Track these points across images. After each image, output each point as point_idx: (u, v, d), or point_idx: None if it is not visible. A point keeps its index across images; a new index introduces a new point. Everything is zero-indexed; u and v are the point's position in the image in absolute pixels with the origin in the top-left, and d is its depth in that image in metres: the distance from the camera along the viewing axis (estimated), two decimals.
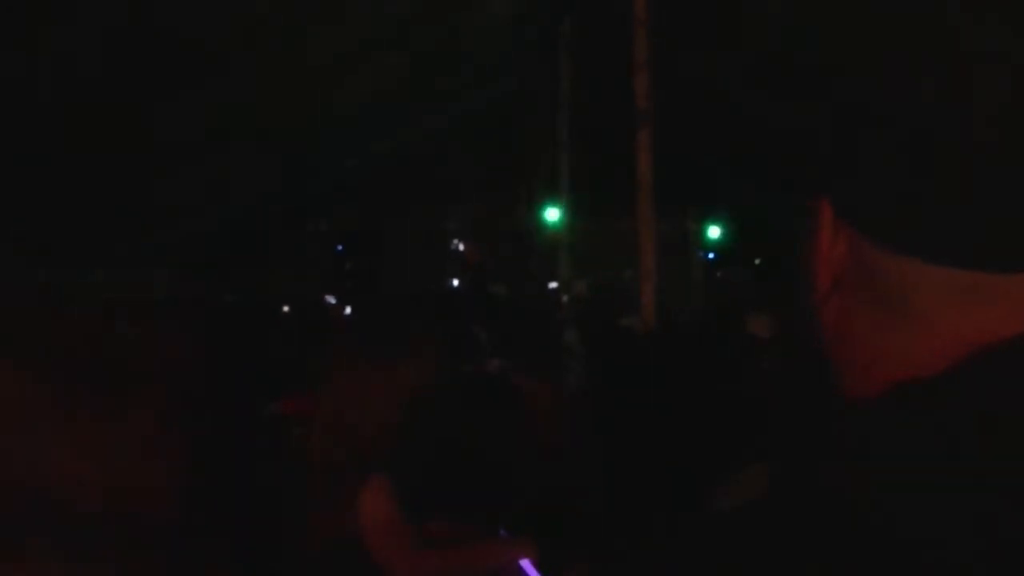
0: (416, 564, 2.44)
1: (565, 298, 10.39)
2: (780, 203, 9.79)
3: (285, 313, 9.58)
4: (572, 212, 10.83)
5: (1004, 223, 0.63)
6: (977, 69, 0.63)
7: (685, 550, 0.69)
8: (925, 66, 0.65)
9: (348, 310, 11.54)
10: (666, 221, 10.12)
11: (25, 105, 5.69)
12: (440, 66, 8.82)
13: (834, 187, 0.72)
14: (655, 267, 6.43)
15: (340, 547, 2.50)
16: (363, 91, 8.43)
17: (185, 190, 8.18)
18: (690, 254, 17.82)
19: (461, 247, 16.56)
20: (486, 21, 8.31)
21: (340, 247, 18.53)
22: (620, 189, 7.54)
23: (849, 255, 0.71)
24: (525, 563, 2.41)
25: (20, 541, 0.94)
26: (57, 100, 5.81)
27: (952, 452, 0.62)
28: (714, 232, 18.23)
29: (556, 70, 10.15)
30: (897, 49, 0.67)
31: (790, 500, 0.67)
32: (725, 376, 4.36)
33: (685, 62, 8.01)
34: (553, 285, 11.53)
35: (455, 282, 15.37)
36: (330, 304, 12.03)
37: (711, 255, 19.28)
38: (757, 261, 19.79)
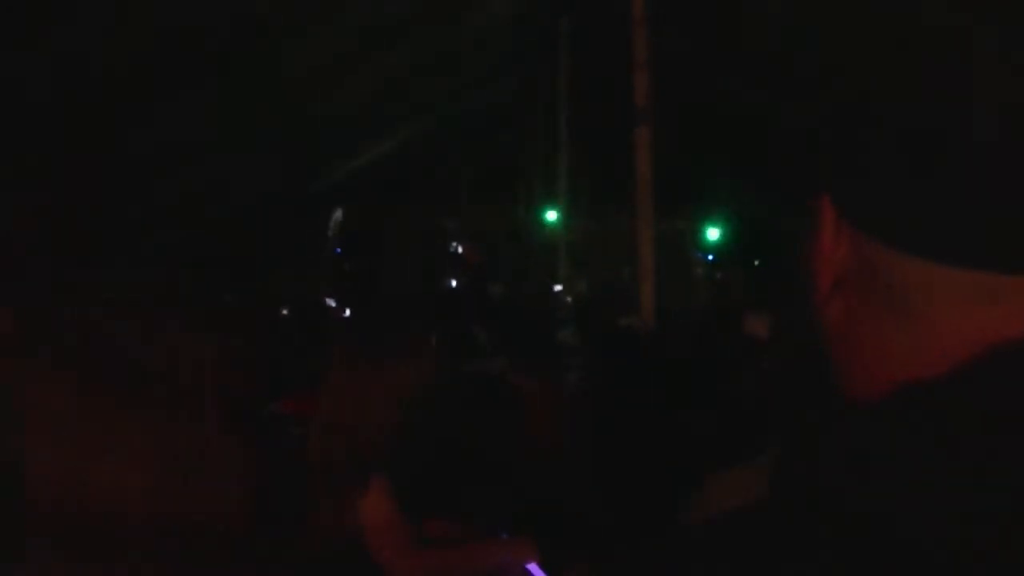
0: (415, 564, 2.44)
1: (569, 299, 10.40)
2: (779, 203, 9.78)
3: (285, 314, 9.57)
4: (571, 212, 10.83)
5: (1009, 223, 0.63)
6: (980, 68, 0.63)
7: (687, 552, 0.69)
8: (927, 65, 0.65)
9: (348, 312, 11.53)
10: (665, 222, 10.13)
11: (24, 104, 5.68)
12: (439, 67, 8.82)
13: (835, 186, 0.72)
14: (654, 267, 6.44)
15: (340, 547, 2.49)
16: (363, 92, 8.43)
17: (184, 190, 8.18)
18: (689, 255, 17.83)
19: (460, 249, 16.56)
20: (485, 21, 8.31)
21: (339, 249, 18.51)
22: (619, 189, 7.54)
23: (851, 255, 0.71)
24: (532, 567, 2.41)
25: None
26: (56, 99, 5.80)
27: (957, 454, 0.62)
28: (713, 233, 18.24)
29: (555, 70, 10.15)
30: (898, 48, 0.67)
31: (792, 502, 0.66)
32: (723, 376, 4.36)
33: (684, 61, 8.01)
34: (558, 288, 11.54)
35: (453, 283, 15.36)
36: (330, 306, 12.03)
37: (710, 256, 19.28)
38: (756, 262, 19.79)
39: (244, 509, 1.04)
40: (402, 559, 2.43)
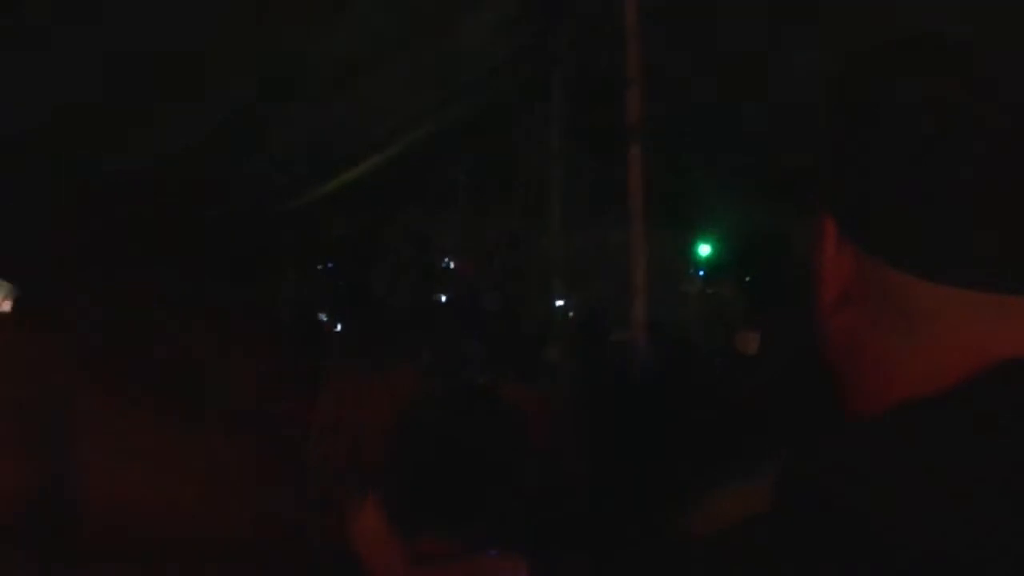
0: None
1: (571, 314, 10.41)
2: (772, 221, 9.81)
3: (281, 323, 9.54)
4: (564, 226, 10.85)
5: (1010, 244, 0.63)
6: (977, 97, 0.63)
7: (690, 561, 0.69)
8: (928, 94, 0.65)
9: (339, 327, 11.52)
10: (657, 237, 10.14)
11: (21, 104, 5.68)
12: (430, 77, 8.83)
13: (837, 205, 0.72)
14: (646, 282, 6.44)
15: (336, 554, 2.48)
16: (353, 100, 8.44)
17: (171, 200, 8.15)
18: (680, 270, 17.87)
19: (452, 264, 16.58)
20: (475, 33, 8.33)
21: (331, 263, 18.51)
22: (612, 204, 7.55)
23: (854, 271, 0.71)
24: None
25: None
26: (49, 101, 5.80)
27: (961, 469, 0.62)
28: (704, 249, 18.30)
29: (548, 83, 10.18)
30: (899, 79, 0.67)
31: (796, 512, 0.66)
32: (713, 391, 4.38)
33: (678, 77, 8.03)
34: (560, 302, 11.57)
35: (443, 297, 15.37)
36: (322, 321, 12.02)
37: (701, 271, 19.34)
38: (747, 278, 19.85)
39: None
40: (391, 575, 2.42)
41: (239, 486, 0.97)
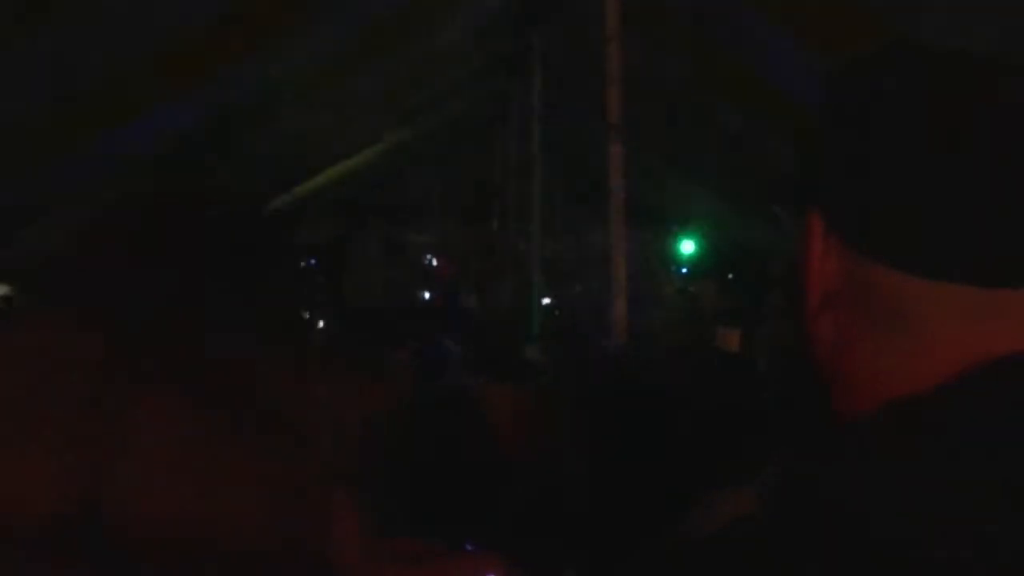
0: None
1: (557, 312, 10.42)
2: (755, 218, 9.84)
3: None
4: (544, 225, 10.85)
5: (999, 237, 0.63)
6: (966, 95, 0.63)
7: (685, 563, 0.69)
8: (914, 93, 0.65)
9: (321, 324, 11.49)
10: (639, 235, 10.14)
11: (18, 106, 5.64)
12: (411, 79, 8.83)
13: (825, 202, 0.71)
14: (626, 280, 6.44)
15: (309, 562, 2.47)
16: (332, 104, 8.43)
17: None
18: (662, 267, 17.87)
19: (435, 262, 16.56)
20: (457, 33, 8.33)
21: (313, 260, 18.48)
22: (592, 203, 7.55)
23: (841, 269, 0.71)
24: None
25: None
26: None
27: (949, 469, 0.62)
28: (687, 246, 18.31)
29: (528, 83, 10.18)
30: (887, 80, 0.67)
31: (786, 516, 0.66)
32: (694, 390, 4.38)
33: (660, 75, 8.04)
34: (546, 301, 11.55)
35: (427, 295, 15.36)
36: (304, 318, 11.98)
37: (684, 269, 19.36)
38: (730, 275, 19.87)
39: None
40: (368, 575, 2.40)
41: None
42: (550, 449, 3.33)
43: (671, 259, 18.42)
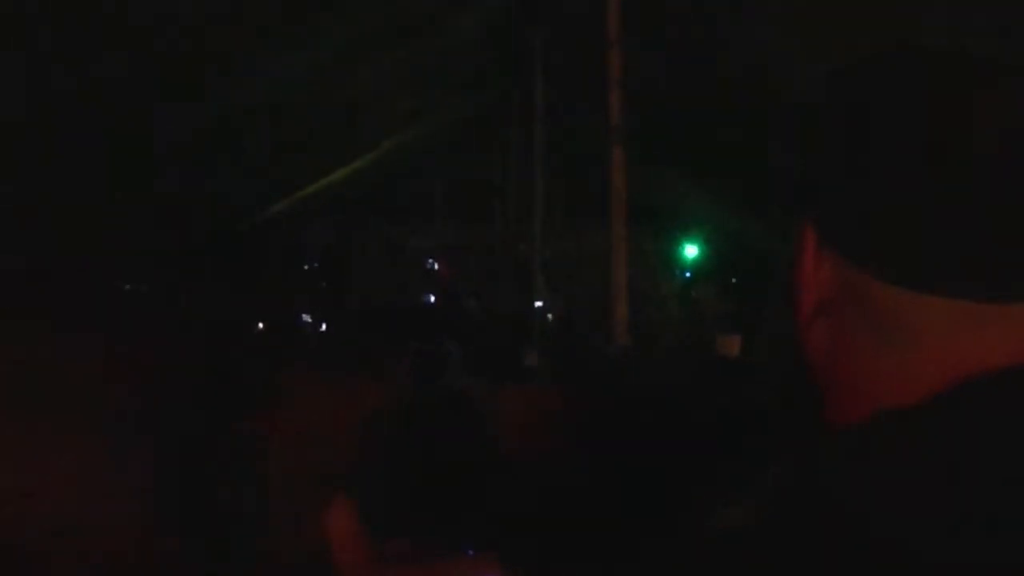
0: None
1: (550, 316, 10.38)
2: (758, 222, 9.82)
3: (260, 330, 9.51)
4: (546, 229, 10.83)
5: (998, 253, 0.63)
6: (963, 108, 0.63)
7: (682, 569, 0.69)
8: (911, 104, 0.65)
9: (324, 327, 11.50)
10: (642, 239, 10.14)
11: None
12: (412, 83, 8.81)
13: (818, 212, 0.71)
14: (628, 284, 6.44)
15: (301, 562, 2.48)
16: (336, 108, 8.42)
17: (158, 205, 8.13)
18: (665, 272, 17.84)
19: (436, 266, 16.54)
20: (458, 38, 8.31)
21: (316, 263, 18.46)
22: (594, 206, 7.54)
23: (834, 279, 0.70)
24: None
25: None
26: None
27: (940, 480, 0.61)
28: (691, 251, 18.27)
29: (530, 87, 10.16)
30: (884, 86, 0.67)
31: (786, 517, 0.66)
32: (695, 395, 4.37)
33: (662, 80, 8.03)
34: (539, 303, 11.53)
35: (431, 298, 15.34)
36: (305, 322, 11.97)
37: (687, 273, 19.31)
38: (733, 280, 19.82)
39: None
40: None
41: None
42: (559, 449, 3.33)
43: (674, 263, 18.38)
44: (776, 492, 0.67)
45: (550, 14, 9.12)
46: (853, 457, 0.63)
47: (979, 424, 0.62)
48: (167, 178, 7.80)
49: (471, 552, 2.12)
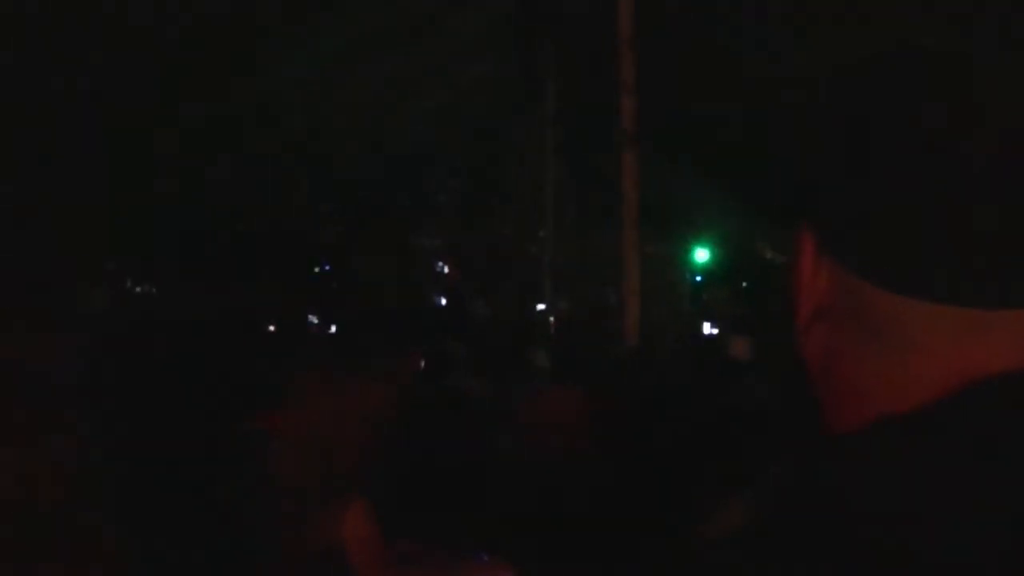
0: None
1: (552, 319, 10.41)
2: (768, 227, 9.84)
3: (269, 332, 9.55)
4: (556, 230, 10.86)
5: (997, 262, 0.62)
6: (959, 114, 0.63)
7: (684, 571, 0.69)
8: (908, 111, 0.65)
9: (333, 328, 11.53)
10: (652, 242, 10.15)
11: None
12: (424, 85, 8.84)
13: (817, 219, 0.71)
14: (640, 286, 6.45)
15: (309, 565, 2.47)
16: (347, 109, 8.45)
17: (162, 205, 8.17)
18: (676, 276, 17.89)
19: (446, 269, 16.60)
20: (468, 39, 8.34)
21: (325, 264, 18.55)
22: (606, 209, 7.56)
23: (832, 286, 0.70)
24: None
25: None
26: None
27: (940, 485, 0.61)
28: (701, 255, 18.33)
29: (543, 88, 10.19)
30: (885, 93, 0.67)
31: (787, 518, 0.66)
32: (704, 398, 4.37)
33: (673, 84, 8.04)
34: (541, 307, 11.56)
35: (443, 300, 15.40)
36: (312, 323, 12.02)
37: (698, 277, 19.38)
38: (744, 284, 19.89)
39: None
40: None
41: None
42: (582, 450, 3.33)
43: (685, 267, 18.45)
44: (776, 492, 0.68)
45: (561, 15, 9.15)
46: (854, 459, 0.64)
47: (980, 428, 0.62)
48: (168, 179, 7.83)
49: (484, 557, 2.11)
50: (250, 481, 2.95)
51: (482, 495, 2.49)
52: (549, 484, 3.10)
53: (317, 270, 18.05)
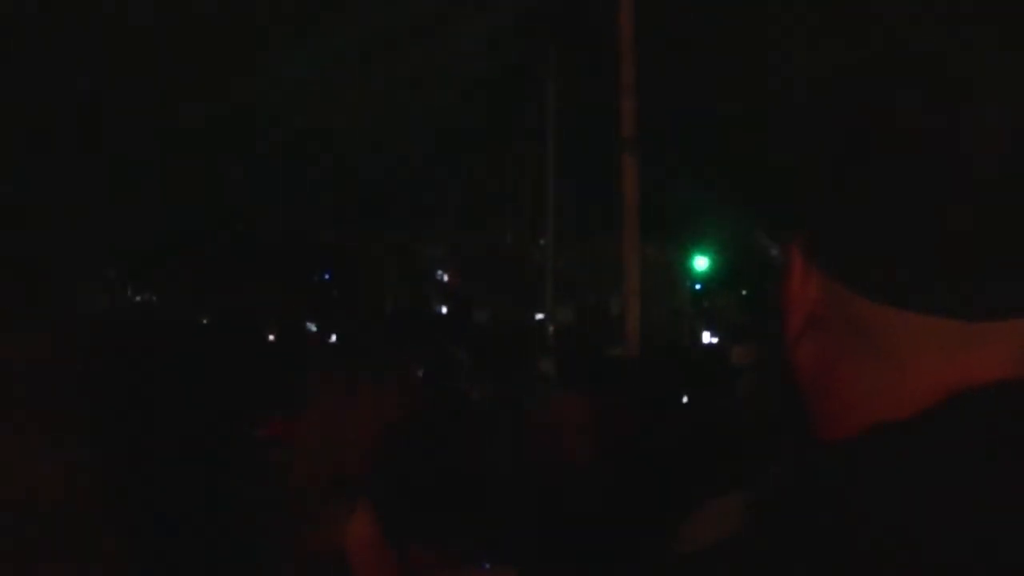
0: None
1: (552, 328, 10.42)
2: (767, 233, 9.86)
3: (270, 340, 9.57)
4: (557, 237, 10.88)
5: (987, 274, 0.62)
6: (952, 124, 0.62)
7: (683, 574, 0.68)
8: (900, 119, 0.64)
9: (334, 337, 11.54)
10: (653, 250, 10.16)
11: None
12: (423, 91, 8.87)
13: (805, 229, 0.70)
14: (640, 291, 6.44)
15: (314, 567, 2.45)
16: (344, 115, 8.47)
17: (160, 206, 8.18)
18: (676, 283, 17.93)
19: (446, 278, 16.64)
20: (472, 44, 8.36)
21: (326, 272, 18.59)
22: (606, 215, 7.56)
23: (823, 295, 0.70)
24: None
25: None
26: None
27: (940, 487, 0.61)
28: (701, 262, 18.37)
29: (543, 95, 10.21)
30: (871, 102, 0.66)
31: (785, 520, 0.65)
32: (705, 404, 4.37)
33: (673, 89, 8.05)
34: (540, 316, 11.58)
35: (443, 309, 15.43)
36: (311, 331, 12.04)
37: (698, 284, 19.43)
38: (744, 291, 19.95)
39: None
40: None
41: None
42: (593, 455, 3.32)
43: (685, 274, 18.49)
44: (776, 493, 0.67)
45: (562, 21, 9.17)
46: (853, 460, 0.63)
47: (979, 432, 0.61)
48: (169, 178, 7.85)
49: (487, 566, 2.08)
50: (256, 484, 2.94)
51: (485, 498, 2.47)
52: (553, 486, 3.09)
53: (315, 276, 18.09)
